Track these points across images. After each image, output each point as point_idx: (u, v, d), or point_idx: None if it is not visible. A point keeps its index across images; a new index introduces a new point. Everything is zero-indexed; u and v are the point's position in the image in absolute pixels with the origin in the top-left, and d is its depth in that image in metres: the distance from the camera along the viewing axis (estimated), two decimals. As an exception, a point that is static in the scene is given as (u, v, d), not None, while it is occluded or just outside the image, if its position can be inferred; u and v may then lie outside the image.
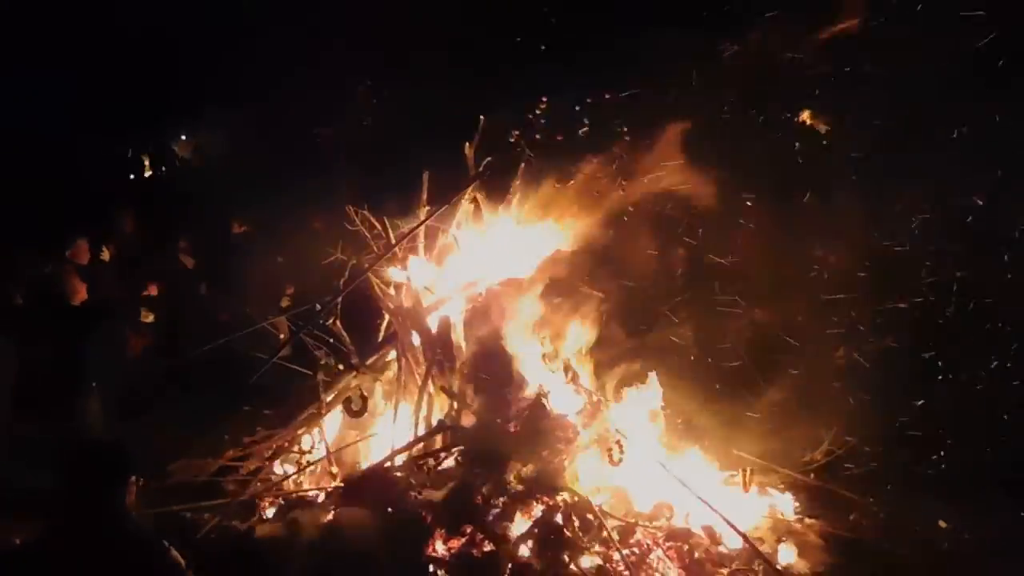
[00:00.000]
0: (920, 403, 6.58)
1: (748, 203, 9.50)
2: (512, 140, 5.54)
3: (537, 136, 5.40)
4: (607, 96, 5.44)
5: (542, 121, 5.40)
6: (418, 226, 6.10)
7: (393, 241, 6.17)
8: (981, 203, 8.05)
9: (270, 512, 5.57)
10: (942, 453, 6.03)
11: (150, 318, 7.67)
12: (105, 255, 7.60)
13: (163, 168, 13.61)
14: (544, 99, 5.45)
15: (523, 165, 6.19)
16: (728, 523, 5.14)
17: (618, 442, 5.50)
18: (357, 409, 5.93)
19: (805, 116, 14.05)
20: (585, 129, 5.45)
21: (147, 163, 13.77)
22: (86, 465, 2.73)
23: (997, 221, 8.07)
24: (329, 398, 6.16)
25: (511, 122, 5.53)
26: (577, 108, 5.48)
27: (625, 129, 5.38)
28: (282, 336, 7.54)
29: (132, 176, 13.04)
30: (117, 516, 2.68)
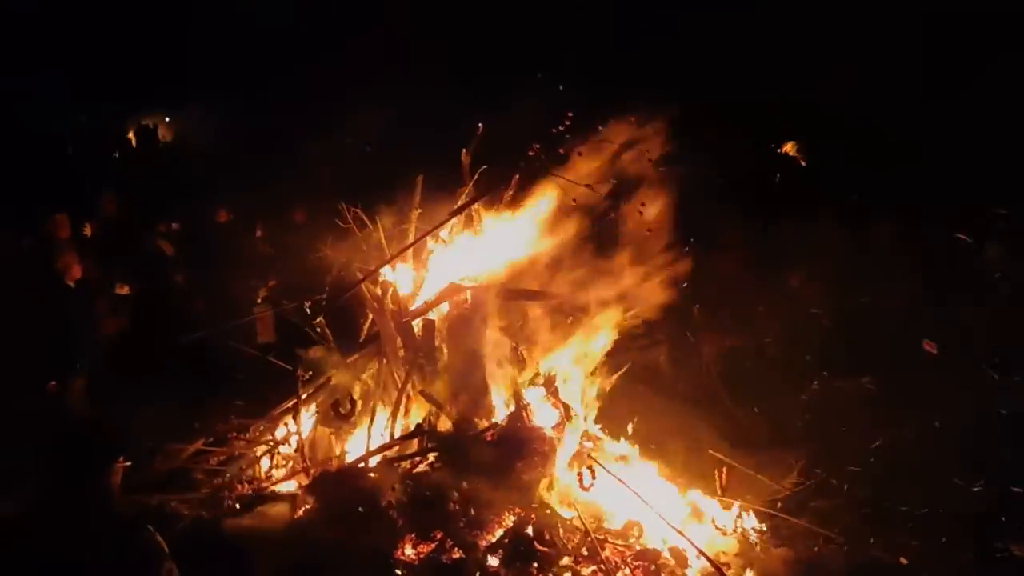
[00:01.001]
0: (887, 438, 6.72)
1: (729, 229, 9.67)
2: (532, 153, 5.53)
3: (560, 151, 5.41)
4: (632, 118, 5.48)
5: (566, 136, 5.41)
6: (419, 240, 6.08)
7: (384, 243, 6.16)
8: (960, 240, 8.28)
9: (239, 505, 5.51)
10: (906, 489, 6.13)
11: (125, 289, 7.58)
12: (87, 230, 7.46)
13: (147, 148, 13.45)
14: (570, 114, 5.47)
15: (517, 177, 6.23)
16: (693, 545, 5.19)
17: (590, 467, 5.53)
18: (345, 412, 5.88)
19: (788, 148, 14.31)
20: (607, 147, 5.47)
21: (132, 141, 13.61)
22: (74, 445, 2.70)
23: (974, 260, 8.31)
24: (306, 394, 6.12)
25: (532, 135, 5.53)
26: (600, 128, 5.51)
27: (649, 152, 5.43)
28: (260, 328, 7.49)
29: (116, 154, 12.87)
30: (103, 497, 2.65)
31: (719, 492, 5.71)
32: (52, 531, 2.53)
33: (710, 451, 6.34)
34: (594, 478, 5.54)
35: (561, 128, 5.47)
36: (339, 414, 5.88)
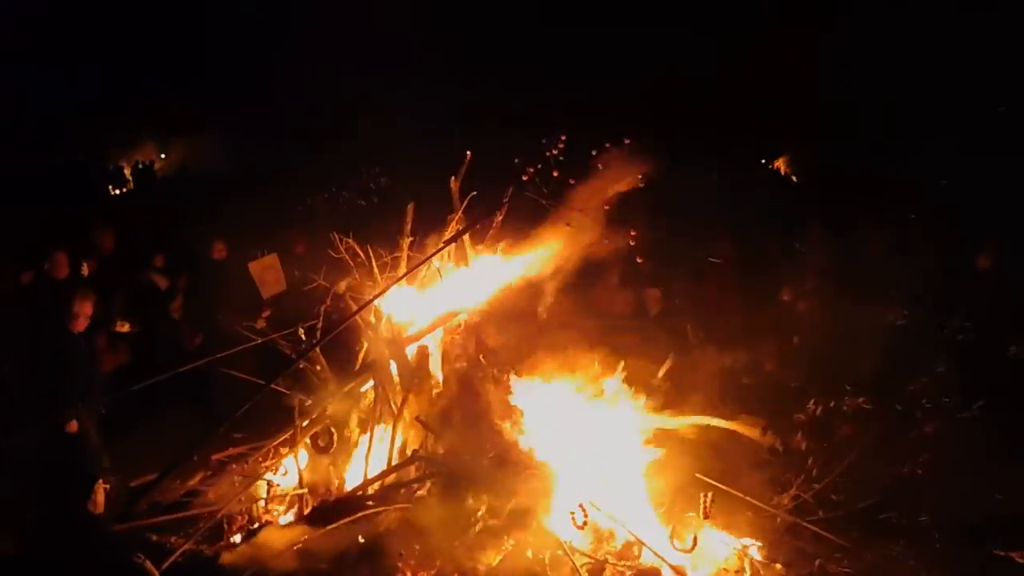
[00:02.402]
0: (888, 450, 6.70)
1: (721, 246, 9.73)
2: (525, 177, 5.55)
3: (555, 173, 5.43)
4: (627, 141, 5.49)
5: (560, 159, 5.42)
6: (412, 269, 6.12)
7: (377, 272, 6.21)
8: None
9: (238, 537, 5.51)
10: (907, 499, 6.12)
11: (125, 327, 7.63)
12: (84, 270, 7.49)
13: (144, 183, 13.57)
14: (563, 137, 5.49)
15: (506, 202, 6.28)
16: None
17: (581, 505, 5.52)
18: (324, 445, 5.92)
19: (780, 164, 14.42)
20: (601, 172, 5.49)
21: (128, 177, 13.72)
22: (59, 473, 2.75)
23: (962, 264, 8.34)
24: (304, 423, 6.15)
25: (526, 159, 5.56)
26: (594, 153, 5.52)
27: (640, 176, 5.44)
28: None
29: (112, 189, 12.98)
30: (90, 523, 2.69)
31: (703, 517, 5.64)
32: (43, 559, 2.56)
33: (696, 475, 6.23)
34: (586, 516, 5.51)
35: (555, 151, 5.49)
36: (318, 447, 5.93)
